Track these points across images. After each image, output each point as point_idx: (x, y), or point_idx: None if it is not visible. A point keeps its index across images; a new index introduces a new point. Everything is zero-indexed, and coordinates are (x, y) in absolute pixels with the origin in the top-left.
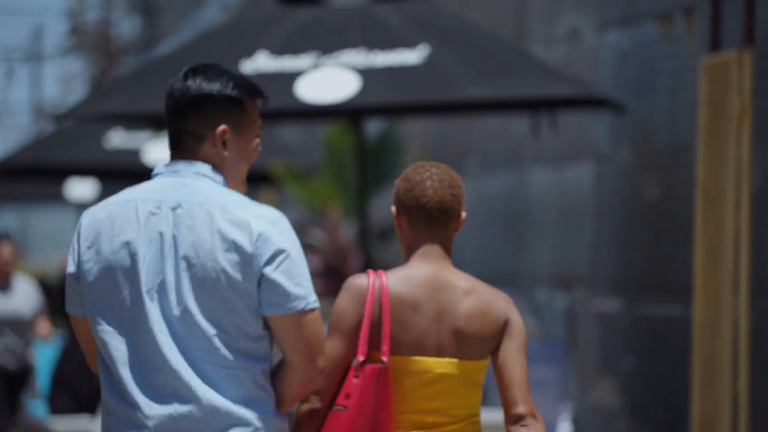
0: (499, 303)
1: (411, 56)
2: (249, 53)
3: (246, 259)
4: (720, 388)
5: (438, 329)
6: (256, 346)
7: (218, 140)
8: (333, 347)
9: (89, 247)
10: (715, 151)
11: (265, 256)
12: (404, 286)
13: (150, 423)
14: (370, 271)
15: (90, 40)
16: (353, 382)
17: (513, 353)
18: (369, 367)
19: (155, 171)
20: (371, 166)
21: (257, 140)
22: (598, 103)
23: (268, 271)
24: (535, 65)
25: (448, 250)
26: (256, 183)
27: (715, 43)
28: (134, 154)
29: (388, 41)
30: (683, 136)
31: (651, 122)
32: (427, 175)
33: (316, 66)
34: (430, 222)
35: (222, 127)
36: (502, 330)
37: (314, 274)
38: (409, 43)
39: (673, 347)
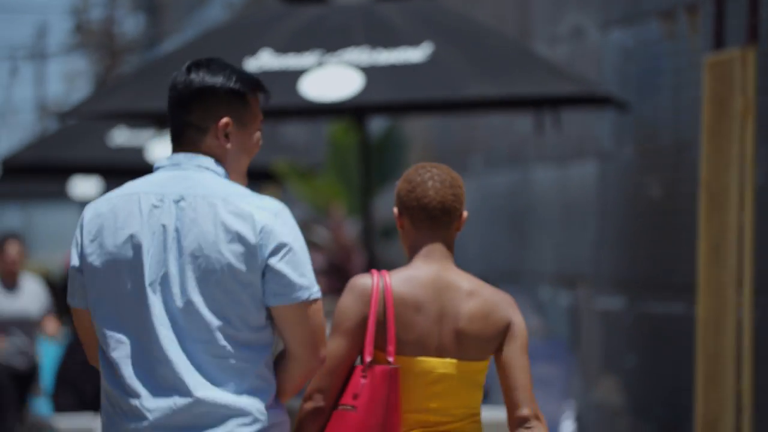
0: (502, 305)
1: (414, 54)
2: (253, 51)
3: (250, 250)
4: (723, 386)
5: (439, 330)
6: (258, 337)
7: (221, 133)
8: (336, 346)
9: (92, 240)
10: (719, 149)
11: (270, 247)
12: (407, 286)
13: (150, 415)
14: (374, 271)
15: (94, 38)
16: (361, 382)
17: (516, 356)
18: (380, 368)
19: (157, 164)
20: (375, 164)
21: (258, 134)
22: (602, 101)
23: (273, 261)
24: (538, 63)
25: (450, 249)
26: (260, 181)
27: (719, 41)
28: (138, 152)
29: (391, 39)
30: (687, 134)
31: (654, 120)
32: (428, 176)
33: (319, 64)
34: (432, 222)
35: (225, 119)
36: (503, 332)
37: (318, 272)
38: (413, 41)
39: (676, 345)
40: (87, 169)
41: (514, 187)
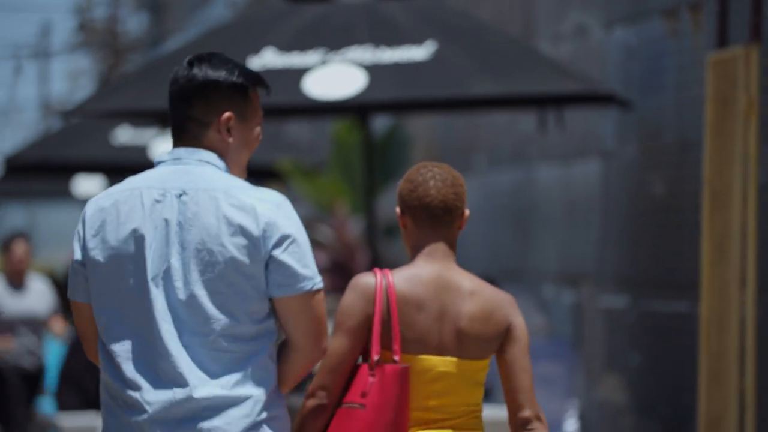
0: (503, 305)
1: (418, 53)
2: (256, 50)
3: (253, 243)
4: (727, 385)
5: (440, 328)
6: (261, 328)
7: (223, 127)
8: (339, 344)
9: (94, 235)
10: (722, 148)
11: (273, 239)
12: (409, 285)
13: (150, 408)
14: (377, 270)
15: (97, 37)
16: (369, 380)
17: (518, 358)
18: (390, 367)
19: (158, 159)
20: (378, 163)
21: (259, 128)
22: (605, 99)
23: (277, 253)
24: (541, 62)
25: (452, 248)
26: (264, 179)
27: (722, 39)
28: (141, 150)
29: (394, 38)
30: (690, 132)
31: (657, 118)
32: (429, 175)
33: (323, 62)
34: (435, 221)
35: (227, 113)
36: (504, 333)
37: (321, 271)
38: (416, 40)
39: (679, 344)
40: (90, 168)
41: (518, 186)
